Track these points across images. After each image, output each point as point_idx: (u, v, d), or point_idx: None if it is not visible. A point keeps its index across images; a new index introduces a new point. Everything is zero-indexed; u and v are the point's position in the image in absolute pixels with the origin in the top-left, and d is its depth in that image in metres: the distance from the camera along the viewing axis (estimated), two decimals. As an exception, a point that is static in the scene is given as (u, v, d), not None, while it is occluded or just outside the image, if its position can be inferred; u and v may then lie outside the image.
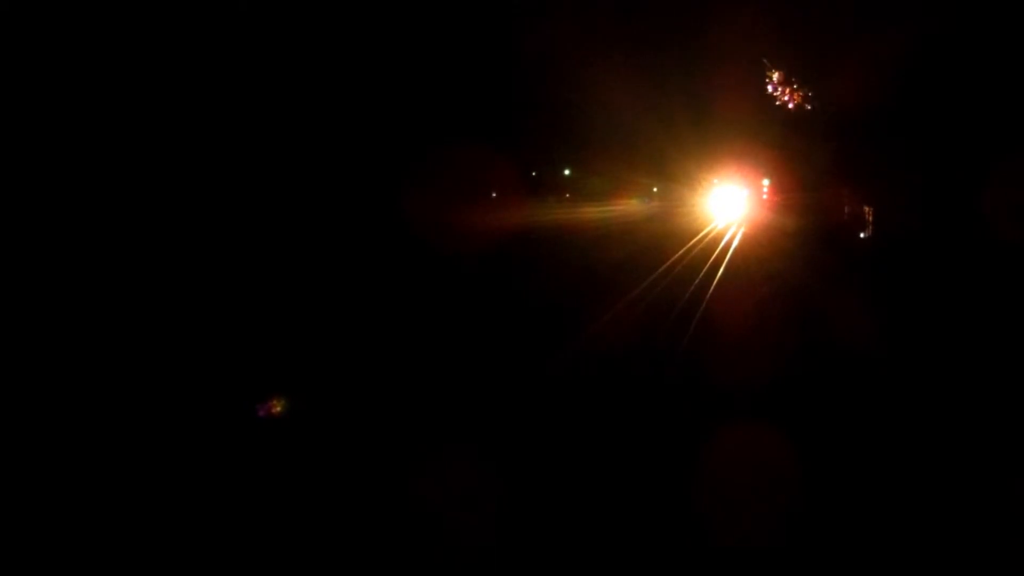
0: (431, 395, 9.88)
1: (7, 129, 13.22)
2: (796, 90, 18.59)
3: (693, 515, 7.25)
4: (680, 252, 19.48)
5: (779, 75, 18.41)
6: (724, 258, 19.00)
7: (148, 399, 9.24)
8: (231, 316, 12.05)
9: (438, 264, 15.71)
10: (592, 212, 21.71)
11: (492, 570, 6.63)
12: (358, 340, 11.75)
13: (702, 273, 17.71)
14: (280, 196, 16.11)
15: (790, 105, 18.84)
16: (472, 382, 10.34)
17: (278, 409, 8.60)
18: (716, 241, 20.60)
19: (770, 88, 18.73)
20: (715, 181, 21.69)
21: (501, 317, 13.56)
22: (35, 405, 8.93)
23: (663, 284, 16.69)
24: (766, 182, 21.01)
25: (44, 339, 10.52)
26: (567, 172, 22.36)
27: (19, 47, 13.61)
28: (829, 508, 7.37)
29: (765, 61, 17.77)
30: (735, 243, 20.21)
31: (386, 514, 7.15)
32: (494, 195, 19.48)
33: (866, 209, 18.18)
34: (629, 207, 22.56)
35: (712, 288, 16.55)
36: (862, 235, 18.28)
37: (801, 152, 19.24)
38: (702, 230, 21.36)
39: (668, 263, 18.42)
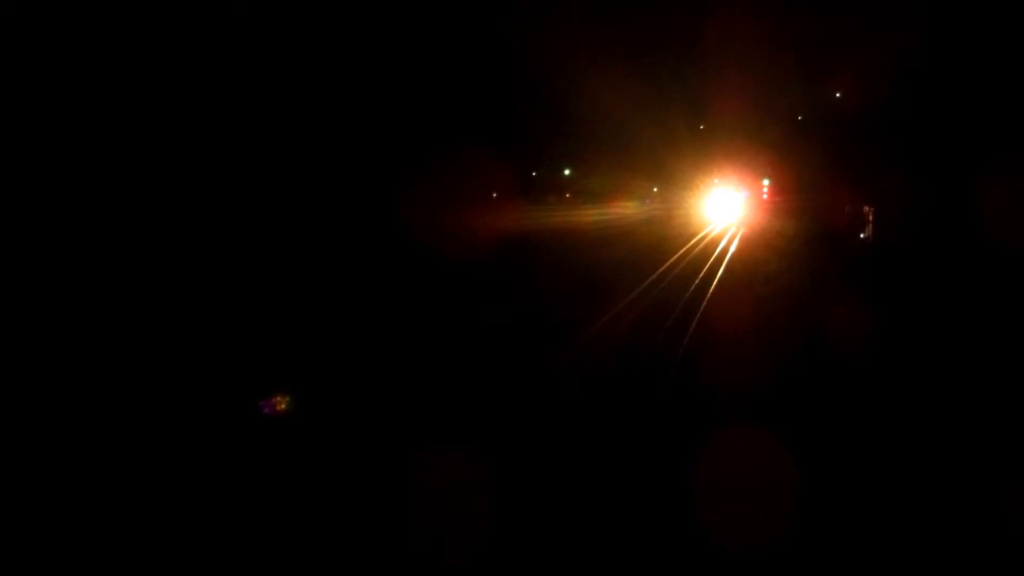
0: (432, 395, 9.87)
1: (8, 129, 13.20)
2: (797, 90, 18.64)
3: (688, 502, 7.28)
4: (680, 253, 19.50)
5: (780, 76, 18.44)
6: (723, 259, 19.01)
7: (151, 396, 9.24)
8: (236, 317, 12.05)
9: (437, 266, 15.70)
10: (592, 213, 21.72)
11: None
12: (358, 340, 11.74)
13: (702, 274, 17.72)
14: (280, 197, 16.10)
15: (790, 105, 18.89)
16: (473, 383, 10.32)
17: (282, 407, 8.63)
18: (715, 243, 20.62)
19: (770, 89, 18.76)
20: (715, 182, 21.72)
21: (500, 319, 13.54)
22: (38, 403, 8.93)
23: (662, 285, 16.70)
24: (766, 182, 21.04)
25: (46, 337, 10.52)
26: (567, 172, 22.39)
27: (19, 47, 13.60)
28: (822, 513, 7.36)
29: (766, 62, 17.79)
30: (734, 245, 20.23)
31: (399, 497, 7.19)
32: (494, 195, 19.48)
33: (866, 209, 18.20)
34: (629, 208, 22.58)
35: (712, 289, 16.55)
36: (862, 235, 18.30)
37: (801, 152, 19.26)
38: (701, 231, 21.39)
39: (668, 264, 18.45)
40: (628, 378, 11.03)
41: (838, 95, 17.75)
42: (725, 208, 22.28)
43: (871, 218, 18.15)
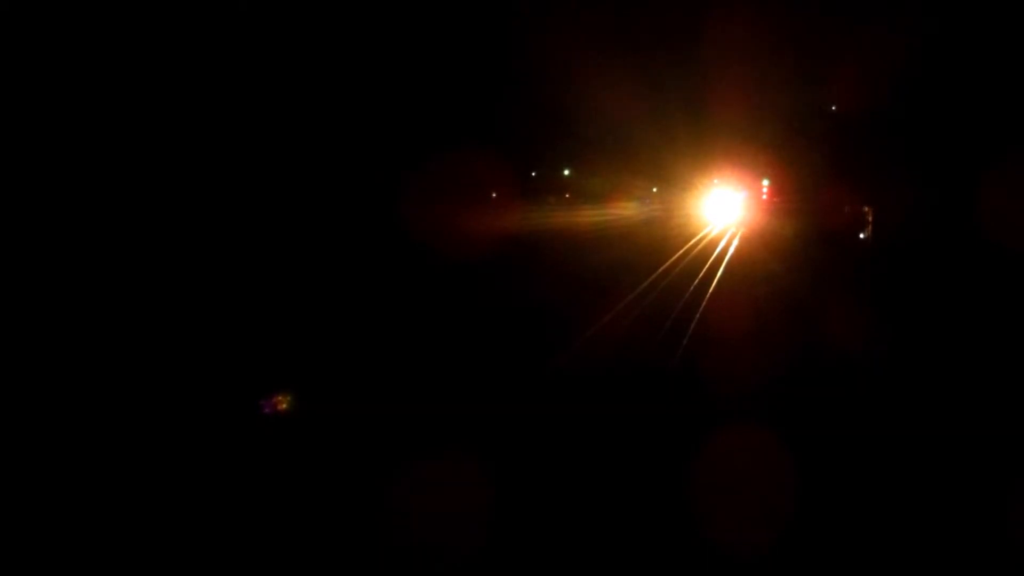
0: (432, 395, 9.86)
1: (7, 129, 13.20)
2: (796, 90, 18.61)
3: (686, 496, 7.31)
4: (679, 253, 19.51)
5: (779, 75, 18.42)
6: (723, 260, 19.03)
7: (151, 396, 9.25)
8: (236, 316, 12.06)
9: (437, 266, 15.70)
10: (591, 214, 21.71)
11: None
12: (359, 340, 11.74)
13: (701, 274, 17.74)
14: (281, 198, 16.10)
15: (790, 105, 18.86)
16: (473, 383, 10.31)
17: (283, 406, 8.64)
18: (714, 244, 20.61)
19: (770, 89, 18.73)
20: (715, 182, 21.70)
21: (499, 319, 13.53)
22: (38, 402, 8.94)
23: (662, 286, 16.71)
24: (765, 182, 21.02)
25: (47, 338, 10.52)
26: (567, 173, 22.38)
27: (19, 47, 13.61)
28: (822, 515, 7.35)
29: (766, 62, 17.78)
30: (734, 246, 20.23)
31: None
32: (494, 196, 19.46)
33: (865, 209, 18.18)
34: (628, 209, 22.56)
35: (711, 289, 16.58)
36: (862, 235, 18.28)
37: (801, 153, 19.25)
38: (700, 232, 21.39)
39: (667, 264, 18.46)
40: (628, 378, 11.03)
41: (837, 97, 17.75)
42: (724, 208, 22.25)
43: (870, 218, 18.12)
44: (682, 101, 19.07)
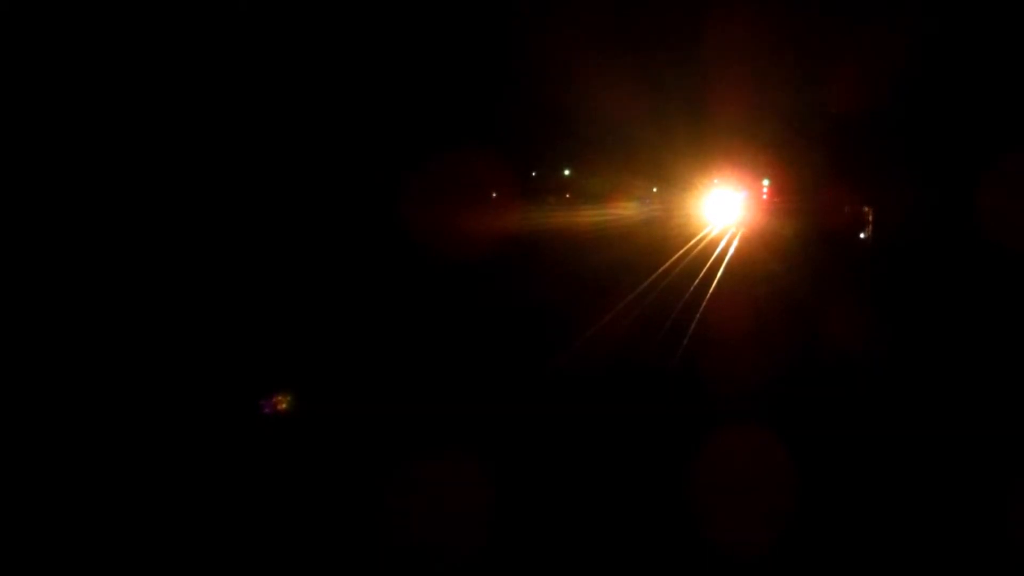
0: (432, 394, 9.87)
1: (7, 129, 13.21)
2: (796, 90, 18.63)
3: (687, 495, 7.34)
4: (679, 253, 19.54)
5: (780, 75, 18.44)
6: (723, 260, 19.05)
7: (151, 396, 9.25)
8: (236, 318, 12.07)
9: (437, 266, 15.71)
10: (591, 214, 21.74)
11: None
12: (359, 341, 11.75)
13: (701, 274, 17.75)
14: (281, 199, 16.11)
15: (790, 105, 18.88)
16: (473, 383, 10.32)
17: (283, 406, 8.65)
18: (714, 244, 20.64)
19: (770, 89, 18.75)
20: (715, 182, 21.73)
21: (499, 319, 13.54)
22: (38, 402, 8.95)
23: (662, 286, 16.73)
24: (766, 182, 21.05)
25: (48, 338, 10.53)
26: (567, 173, 22.42)
27: (19, 47, 13.61)
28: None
29: (766, 62, 17.79)
30: (734, 246, 20.26)
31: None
32: (494, 196, 19.48)
33: (865, 210, 18.20)
34: (628, 209, 22.59)
35: (711, 289, 16.59)
36: (862, 235, 18.29)
37: (801, 153, 19.28)
38: (700, 232, 21.43)
39: (667, 265, 18.49)
40: (628, 378, 11.04)
41: (837, 98, 17.76)
42: (724, 208, 22.28)
43: (870, 218, 18.14)
44: (682, 101, 19.09)
